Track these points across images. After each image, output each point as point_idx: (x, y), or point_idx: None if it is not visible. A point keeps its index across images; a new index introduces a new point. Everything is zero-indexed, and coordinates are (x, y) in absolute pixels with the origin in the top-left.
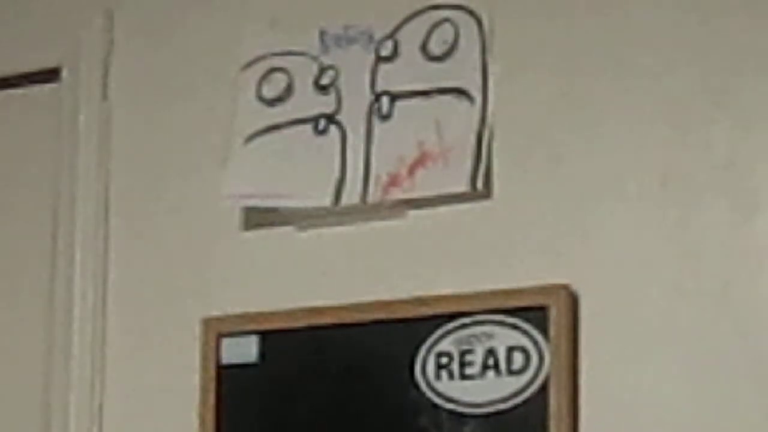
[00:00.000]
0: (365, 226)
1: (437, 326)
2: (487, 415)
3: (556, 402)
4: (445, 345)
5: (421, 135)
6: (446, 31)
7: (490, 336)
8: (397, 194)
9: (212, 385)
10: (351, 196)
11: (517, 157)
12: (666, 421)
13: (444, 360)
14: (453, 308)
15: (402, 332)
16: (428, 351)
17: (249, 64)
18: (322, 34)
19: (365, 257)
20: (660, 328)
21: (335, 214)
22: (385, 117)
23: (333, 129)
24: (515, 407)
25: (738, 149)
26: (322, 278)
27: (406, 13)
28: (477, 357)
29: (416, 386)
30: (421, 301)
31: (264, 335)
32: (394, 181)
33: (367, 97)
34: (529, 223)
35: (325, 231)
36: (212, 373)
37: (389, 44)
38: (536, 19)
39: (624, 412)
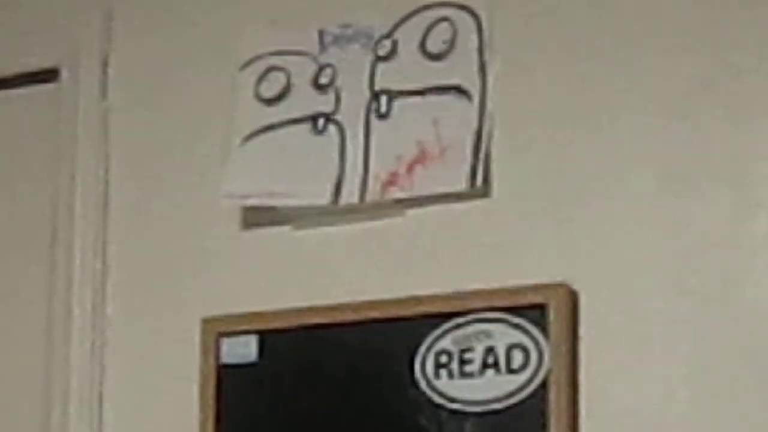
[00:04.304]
0: (364, 225)
1: (436, 325)
2: (487, 414)
3: (555, 400)
4: (444, 343)
5: (419, 134)
6: (444, 30)
7: (489, 334)
8: (396, 193)
9: (212, 385)
10: (350, 195)
11: (515, 156)
12: (666, 419)
13: (443, 358)
14: (452, 307)
15: (401, 331)
16: (428, 350)
17: (247, 64)
18: (321, 33)
19: (364, 256)
20: (660, 326)
21: (334, 213)
22: (384, 116)
23: (331, 128)
24: (515, 405)
25: (738, 145)
26: (321, 277)
27: (404, 12)
28: (476, 355)
29: (416, 385)
30: (420, 299)
31: (263, 334)
32: (392, 180)
33: (366, 95)
34: (528, 221)
35: (324, 230)
36: (212, 372)
37: (387, 43)
38: (535, 17)
39: (623, 409)
